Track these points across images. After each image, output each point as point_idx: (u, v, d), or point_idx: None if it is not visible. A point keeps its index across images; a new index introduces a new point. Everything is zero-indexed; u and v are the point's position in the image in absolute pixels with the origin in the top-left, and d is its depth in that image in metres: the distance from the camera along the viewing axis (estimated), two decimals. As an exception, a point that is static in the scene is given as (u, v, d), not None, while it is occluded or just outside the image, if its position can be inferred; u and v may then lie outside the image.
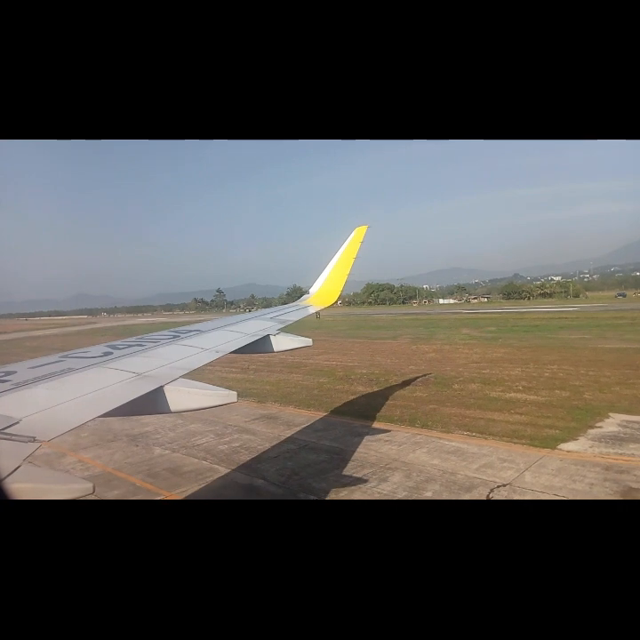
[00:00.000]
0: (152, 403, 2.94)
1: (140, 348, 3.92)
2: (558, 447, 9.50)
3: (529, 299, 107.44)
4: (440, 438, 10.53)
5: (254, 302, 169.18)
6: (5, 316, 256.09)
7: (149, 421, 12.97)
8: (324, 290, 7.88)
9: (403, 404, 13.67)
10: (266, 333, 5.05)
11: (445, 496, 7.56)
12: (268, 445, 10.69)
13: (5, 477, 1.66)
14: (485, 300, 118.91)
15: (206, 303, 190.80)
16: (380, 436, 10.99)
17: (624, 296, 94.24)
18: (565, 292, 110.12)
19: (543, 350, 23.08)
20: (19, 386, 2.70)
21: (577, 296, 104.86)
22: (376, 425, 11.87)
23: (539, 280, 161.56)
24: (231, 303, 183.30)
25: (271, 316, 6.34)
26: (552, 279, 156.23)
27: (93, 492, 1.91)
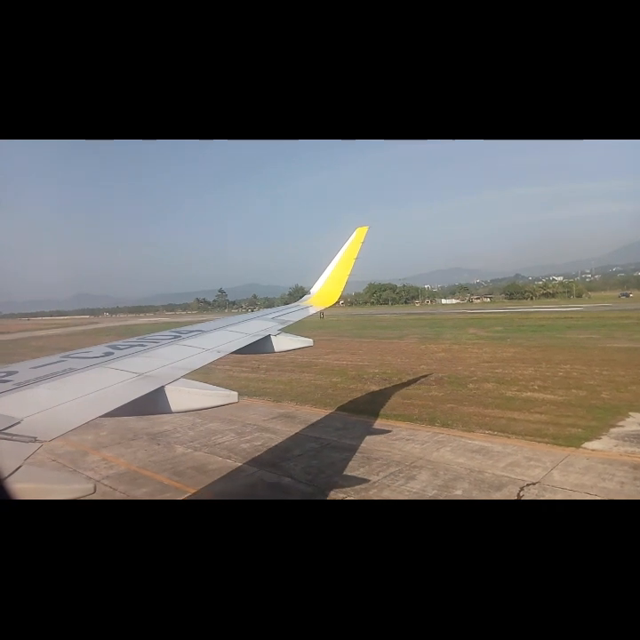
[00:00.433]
0: (153, 403, 2.94)
1: (142, 348, 3.93)
2: (583, 446, 9.50)
3: (532, 299, 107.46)
4: (462, 437, 10.53)
5: (256, 302, 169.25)
6: (7, 316, 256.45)
7: (168, 420, 12.98)
8: (325, 290, 7.89)
9: (420, 404, 13.67)
10: (267, 333, 5.06)
11: (475, 494, 7.56)
12: (290, 444, 10.70)
13: (7, 477, 1.66)
14: (488, 300, 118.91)
15: (208, 303, 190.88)
16: (401, 434, 10.99)
17: (628, 296, 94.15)
18: (568, 292, 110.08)
19: (553, 350, 23.07)
20: (20, 386, 2.70)
21: (580, 296, 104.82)
22: (395, 423, 11.87)
23: (540, 280, 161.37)
24: (233, 303, 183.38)
25: (272, 316, 6.36)
26: (553, 279, 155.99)
27: (94, 492, 1.91)
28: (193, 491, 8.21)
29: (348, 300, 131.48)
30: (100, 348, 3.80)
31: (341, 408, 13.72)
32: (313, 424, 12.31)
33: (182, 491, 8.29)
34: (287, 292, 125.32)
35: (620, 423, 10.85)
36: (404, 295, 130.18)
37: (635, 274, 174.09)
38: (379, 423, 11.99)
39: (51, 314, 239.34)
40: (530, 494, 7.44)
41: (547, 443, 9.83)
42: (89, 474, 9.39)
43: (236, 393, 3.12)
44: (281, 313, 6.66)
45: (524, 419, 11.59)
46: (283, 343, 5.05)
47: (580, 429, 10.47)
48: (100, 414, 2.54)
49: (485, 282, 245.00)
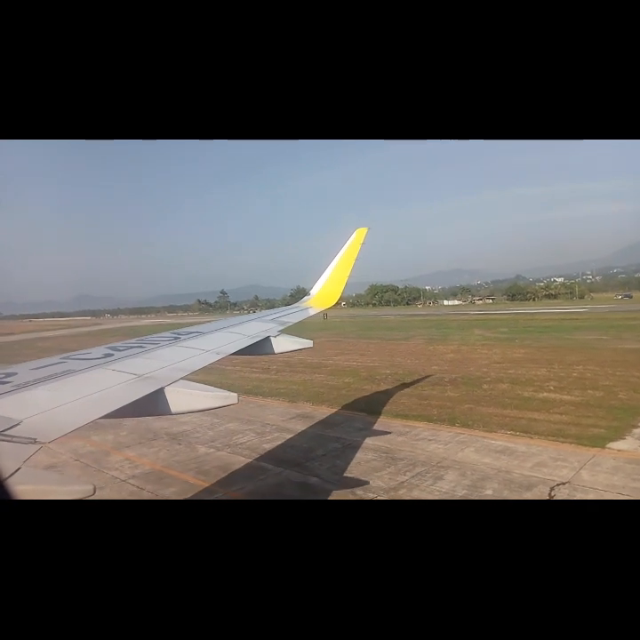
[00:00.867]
0: (153, 404, 2.95)
1: (141, 349, 3.94)
2: (607, 446, 9.50)
3: (534, 300, 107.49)
4: (484, 437, 10.53)
5: (258, 304, 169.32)
6: (8, 317, 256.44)
7: (186, 420, 12.99)
8: (325, 292, 7.89)
9: (437, 404, 13.67)
10: (266, 335, 5.07)
11: (506, 494, 7.56)
12: (312, 444, 10.70)
13: (6, 479, 1.65)
14: (490, 301, 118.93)
15: (210, 305, 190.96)
16: (422, 434, 10.99)
17: (630, 297, 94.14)
18: (571, 293, 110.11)
19: (563, 351, 23.06)
20: (19, 387, 2.69)
21: (582, 297, 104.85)
22: (415, 424, 11.87)
23: (541, 281, 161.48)
24: (235, 305, 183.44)
25: (271, 317, 6.39)
26: (554, 280, 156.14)
27: (94, 493, 1.90)
28: (223, 491, 8.22)
29: (349, 301, 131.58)
30: (100, 350, 3.81)
31: (358, 408, 13.73)
32: (332, 424, 12.31)
33: (211, 490, 8.29)
34: (289, 294, 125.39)
35: (642, 423, 10.85)
36: (406, 296, 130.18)
37: (636, 275, 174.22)
38: (398, 423, 11.99)
39: (52, 315, 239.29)
40: (561, 494, 7.44)
41: (570, 443, 9.83)
42: (114, 474, 9.39)
43: (235, 394, 3.13)
44: (280, 314, 6.69)
45: (545, 419, 11.59)
46: (282, 344, 5.07)
47: (602, 430, 10.47)
48: (100, 416, 2.54)
49: (486, 283, 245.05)
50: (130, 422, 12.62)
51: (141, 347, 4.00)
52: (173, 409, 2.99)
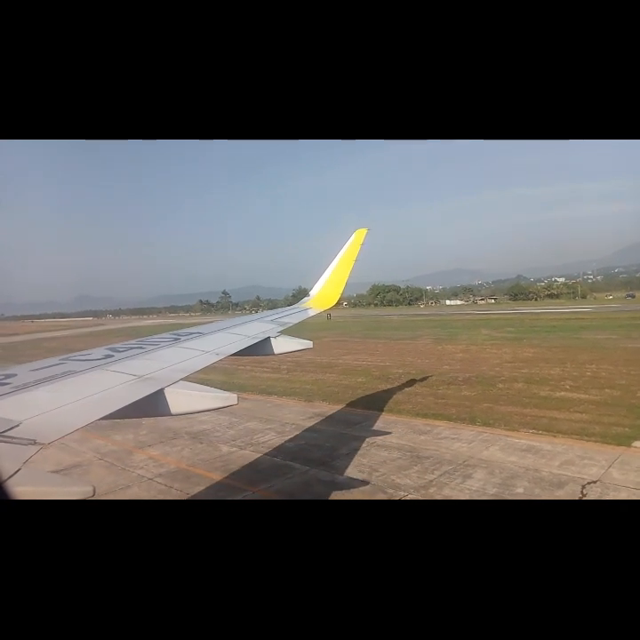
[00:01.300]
0: (153, 405, 2.95)
1: (141, 350, 3.94)
2: (633, 445, 9.49)
3: (536, 300, 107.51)
4: (508, 436, 10.52)
5: (260, 304, 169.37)
6: (10, 318, 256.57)
7: (204, 420, 12.99)
8: (324, 292, 7.90)
9: (455, 403, 13.67)
10: (266, 336, 5.09)
11: (537, 493, 7.56)
12: (334, 443, 10.69)
13: (5, 480, 1.65)
14: (492, 301, 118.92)
15: (211, 305, 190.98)
16: (444, 433, 10.99)
17: (633, 297, 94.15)
18: (573, 292, 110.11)
19: (574, 350, 23.04)
20: (19, 388, 2.69)
21: (584, 297, 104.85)
22: (435, 423, 11.87)
23: (542, 281, 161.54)
24: (236, 305, 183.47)
25: (271, 318, 6.40)
26: (555, 280, 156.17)
27: (93, 494, 1.90)
28: (253, 489, 8.21)
29: (350, 301, 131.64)
30: (100, 351, 3.82)
31: (376, 407, 13.71)
32: (352, 423, 12.30)
33: (239, 488, 8.29)
34: (291, 294, 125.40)
35: (664, 422, 10.84)
36: (408, 296, 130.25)
37: (637, 275, 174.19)
38: (419, 422, 11.99)
39: (53, 316, 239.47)
40: (593, 493, 7.44)
41: (595, 441, 9.83)
42: (140, 472, 9.39)
43: (235, 395, 3.13)
44: (280, 315, 6.70)
45: (566, 418, 11.59)
46: (282, 345, 5.07)
47: (626, 428, 10.46)
48: (100, 416, 2.54)
49: (487, 283, 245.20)
50: (148, 421, 12.62)
51: (141, 348, 4.02)
52: (173, 410, 3.00)
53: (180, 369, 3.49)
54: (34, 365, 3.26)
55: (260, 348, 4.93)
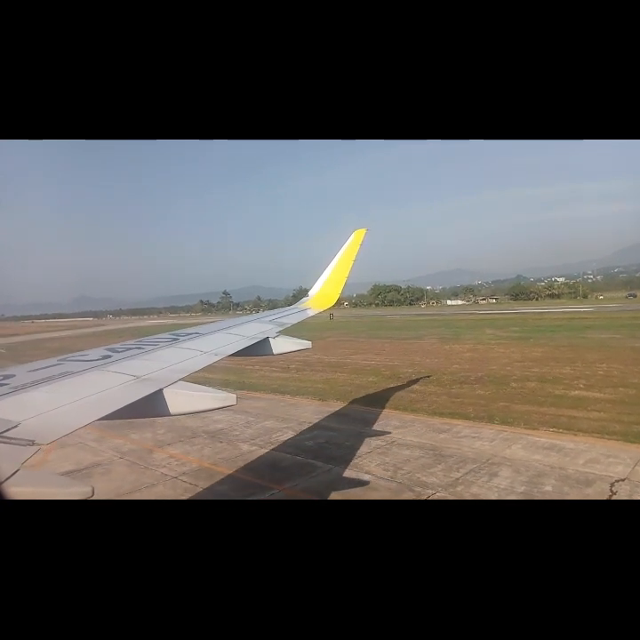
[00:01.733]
0: (151, 405, 2.95)
1: (140, 350, 3.93)
2: (656, 443, 9.49)
3: (537, 299, 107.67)
4: (528, 434, 10.52)
5: (260, 304, 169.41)
6: (10, 318, 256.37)
7: (220, 419, 12.98)
8: (323, 292, 7.89)
9: (470, 402, 13.66)
10: (265, 336, 5.09)
11: (566, 491, 7.55)
12: (354, 441, 10.67)
13: (4, 481, 1.64)
14: (494, 301, 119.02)
15: (212, 305, 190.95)
16: (464, 432, 10.98)
17: (635, 296, 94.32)
18: (574, 292, 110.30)
19: (581, 349, 23.06)
20: (17, 389, 2.68)
21: (585, 297, 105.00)
22: (453, 421, 11.86)
23: (542, 281, 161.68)
24: (237, 305, 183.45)
25: (270, 318, 6.41)
26: (556, 280, 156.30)
27: (92, 495, 1.89)
28: (279, 488, 8.20)
29: (351, 301, 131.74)
30: (98, 351, 3.80)
31: (391, 406, 13.71)
32: (369, 422, 12.29)
33: (265, 487, 8.27)
34: (291, 294, 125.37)
35: (684, 420, 10.84)
36: (409, 297, 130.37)
37: (637, 274, 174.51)
38: (436, 421, 11.98)
39: (53, 316, 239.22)
40: (622, 491, 7.43)
41: (617, 440, 9.82)
42: (163, 471, 9.37)
43: (234, 395, 3.12)
44: (279, 315, 6.70)
45: (585, 416, 11.59)
46: (281, 345, 5.07)
47: (646, 426, 10.47)
48: (99, 417, 2.54)
49: (487, 283, 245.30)
50: (163, 420, 12.59)
51: (140, 348, 4.00)
52: (172, 410, 3.00)
53: (178, 369, 3.48)
54: (32, 366, 3.24)
55: (259, 349, 4.93)
